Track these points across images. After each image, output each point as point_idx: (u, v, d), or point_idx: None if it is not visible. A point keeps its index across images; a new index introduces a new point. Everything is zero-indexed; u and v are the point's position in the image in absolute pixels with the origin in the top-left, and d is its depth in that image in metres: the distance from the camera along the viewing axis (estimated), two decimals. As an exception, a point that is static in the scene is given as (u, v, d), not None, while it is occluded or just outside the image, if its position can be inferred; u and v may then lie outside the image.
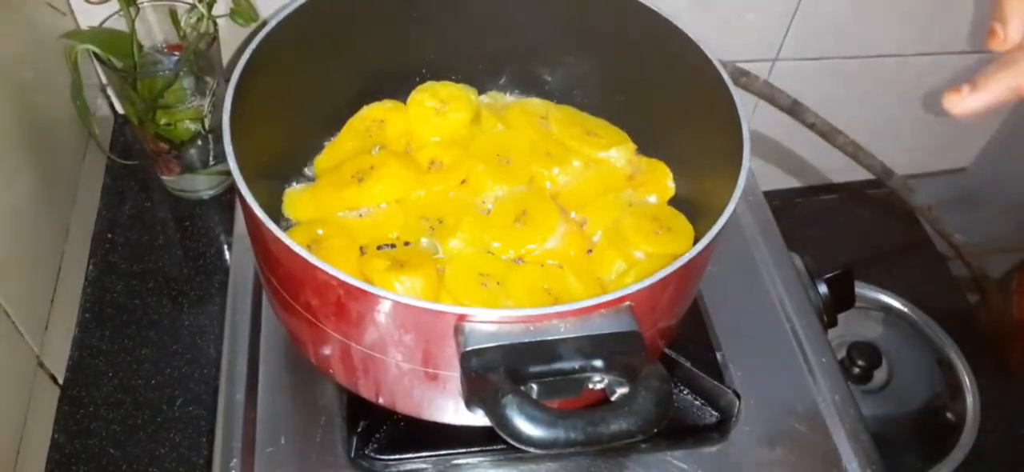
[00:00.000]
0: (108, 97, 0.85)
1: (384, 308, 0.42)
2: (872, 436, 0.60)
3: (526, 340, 0.40)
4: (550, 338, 0.41)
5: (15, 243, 0.63)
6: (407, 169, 0.61)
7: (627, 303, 0.42)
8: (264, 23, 0.54)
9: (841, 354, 0.92)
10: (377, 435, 0.56)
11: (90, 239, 0.76)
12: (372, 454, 0.55)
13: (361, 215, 0.59)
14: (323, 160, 0.64)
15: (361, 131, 0.64)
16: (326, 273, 0.41)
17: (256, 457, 0.54)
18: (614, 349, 0.41)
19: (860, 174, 1.07)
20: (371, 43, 0.63)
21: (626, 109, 0.66)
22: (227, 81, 0.50)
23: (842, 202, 1.17)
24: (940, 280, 1.06)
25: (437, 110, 0.65)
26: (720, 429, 0.58)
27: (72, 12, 0.78)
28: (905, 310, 1.01)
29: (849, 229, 1.13)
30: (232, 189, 0.80)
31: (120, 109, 0.85)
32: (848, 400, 0.60)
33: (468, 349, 0.40)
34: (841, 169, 1.13)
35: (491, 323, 0.40)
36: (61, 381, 0.67)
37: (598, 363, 0.41)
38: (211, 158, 0.77)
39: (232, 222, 0.75)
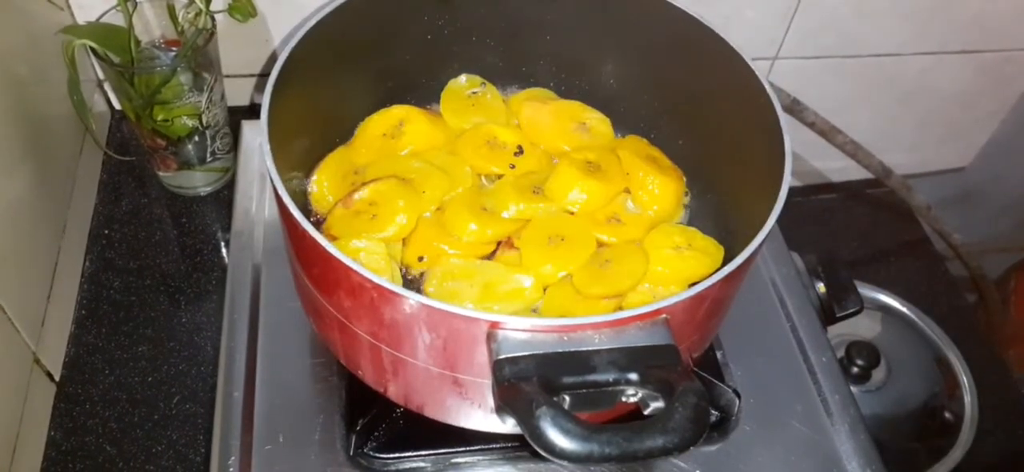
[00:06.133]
0: (105, 92, 0.85)
1: (417, 312, 0.42)
2: (871, 435, 0.59)
3: (560, 350, 0.40)
4: (584, 349, 0.40)
5: (11, 239, 0.62)
6: (435, 126, 0.61)
7: (663, 316, 0.42)
8: (303, 24, 0.54)
9: (839, 353, 0.91)
10: (376, 433, 0.56)
11: (87, 235, 0.76)
12: (371, 452, 0.55)
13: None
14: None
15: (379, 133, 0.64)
16: (360, 275, 0.41)
17: (254, 455, 0.54)
18: (649, 362, 0.40)
19: (859, 173, 1.07)
20: (403, 49, 0.63)
21: (655, 109, 0.66)
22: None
23: (841, 201, 1.16)
24: (939, 280, 1.06)
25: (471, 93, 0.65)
26: (720, 428, 0.58)
27: (69, 7, 0.77)
28: (904, 310, 1.00)
29: (847, 228, 1.13)
30: (229, 186, 0.80)
31: (117, 105, 0.85)
32: (848, 400, 0.60)
33: (501, 357, 0.40)
34: (840, 169, 1.13)
35: (524, 331, 0.40)
36: (57, 378, 0.66)
37: (633, 376, 0.40)
38: (208, 154, 0.77)
39: (229, 219, 0.75)
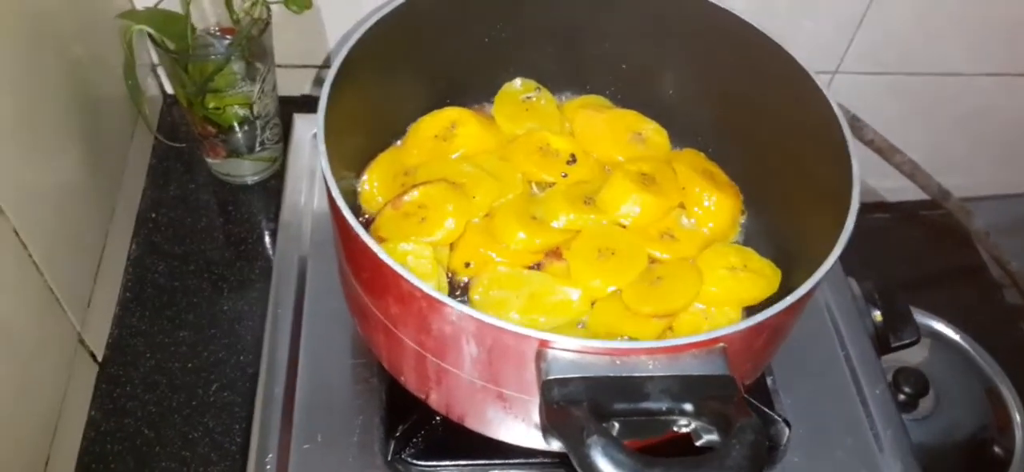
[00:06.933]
0: (158, 77, 0.85)
1: (465, 324, 0.41)
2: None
3: (612, 374, 0.39)
4: (637, 375, 0.39)
5: (63, 219, 0.63)
6: (487, 130, 0.60)
7: (721, 345, 0.40)
8: (362, 23, 0.54)
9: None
10: (415, 440, 0.55)
11: (134, 218, 0.76)
12: (409, 458, 0.54)
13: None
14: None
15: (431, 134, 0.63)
16: (411, 283, 0.40)
17: (292, 454, 0.54)
18: (705, 393, 0.39)
19: (914, 194, 1.04)
20: (459, 51, 0.62)
21: (714, 122, 0.64)
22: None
23: (894, 222, 1.13)
24: (993, 308, 1.02)
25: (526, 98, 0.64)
26: (768, 457, 0.56)
27: (128, -10, 0.77)
28: (955, 337, 0.97)
29: (900, 250, 1.10)
30: (277, 176, 0.80)
31: (169, 90, 0.85)
32: (901, 435, 0.58)
33: (550, 377, 0.39)
34: (895, 189, 1.10)
35: (574, 352, 0.39)
36: (100, 358, 0.67)
37: (687, 407, 0.39)
38: (258, 144, 0.77)
39: (275, 209, 0.75)
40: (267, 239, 0.76)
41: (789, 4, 0.88)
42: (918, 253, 1.10)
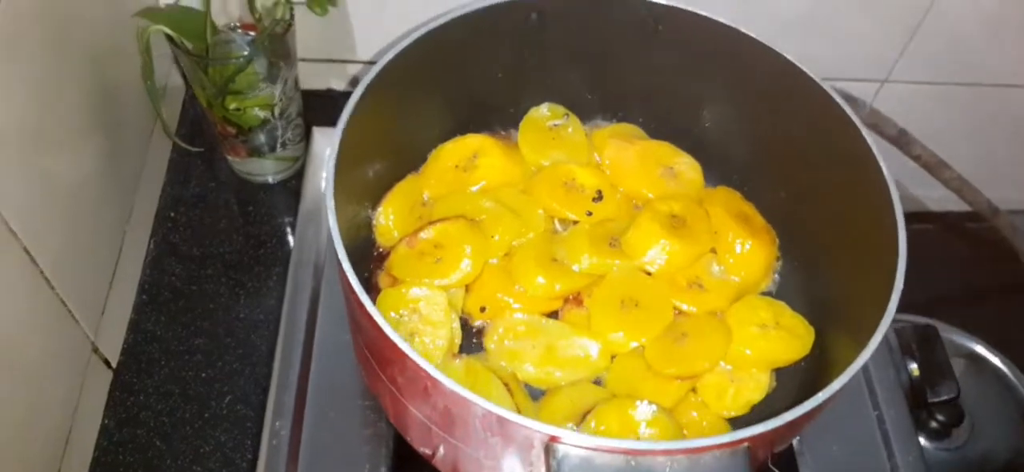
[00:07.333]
0: (180, 67, 0.83)
1: (473, 411, 0.39)
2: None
3: None
4: None
5: (78, 224, 0.61)
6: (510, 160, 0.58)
7: (745, 444, 0.38)
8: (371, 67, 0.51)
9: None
10: (421, 492, 0.54)
11: (153, 216, 0.75)
12: (414, 510, 0.53)
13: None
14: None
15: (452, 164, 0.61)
16: (417, 365, 0.38)
17: (298, 497, 0.52)
18: None
19: (960, 205, 1.00)
20: (486, 75, 0.60)
21: (752, 159, 0.61)
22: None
23: (937, 234, 1.09)
24: (1039, 330, 0.98)
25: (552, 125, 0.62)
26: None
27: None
28: (995, 361, 0.93)
29: (942, 265, 1.05)
30: (298, 176, 0.78)
31: (192, 80, 0.83)
32: (931, 505, 0.55)
33: None
34: (940, 198, 1.05)
35: (586, 449, 0.37)
36: (114, 365, 0.66)
37: None
38: (279, 145, 0.75)
39: (296, 210, 0.73)
40: (290, 240, 0.74)
41: (839, 9, 0.83)
42: (961, 268, 1.06)
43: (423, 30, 0.51)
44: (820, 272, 0.56)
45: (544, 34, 0.57)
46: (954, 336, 0.94)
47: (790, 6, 0.82)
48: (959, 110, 0.96)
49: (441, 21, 0.52)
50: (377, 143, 0.54)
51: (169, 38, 0.67)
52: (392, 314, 0.49)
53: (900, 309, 0.78)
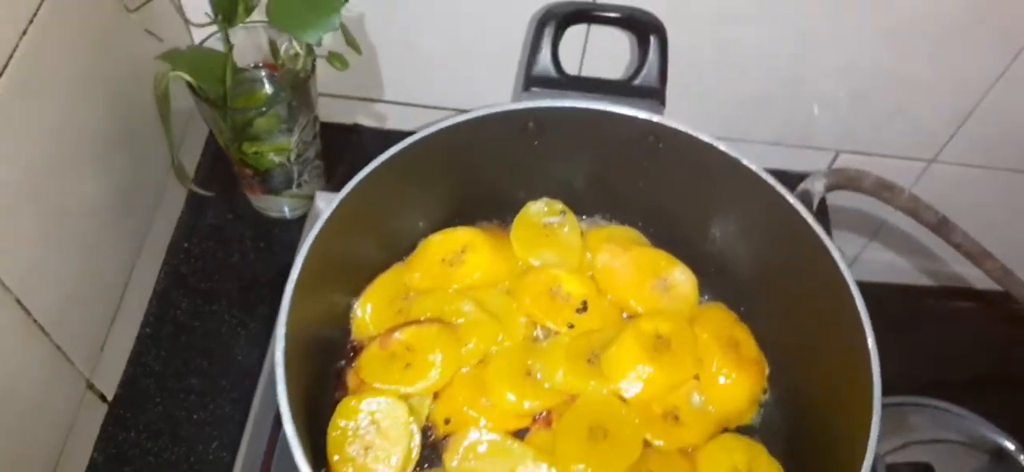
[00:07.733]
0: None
1: None
2: None
3: None
4: None
5: (85, 261, 0.63)
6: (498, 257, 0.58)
7: None
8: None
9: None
10: None
11: (167, 246, 0.76)
12: None
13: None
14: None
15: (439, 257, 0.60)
16: None
17: None
18: None
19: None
20: (484, 173, 0.59)
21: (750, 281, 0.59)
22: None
23: (978, 312, 1.04)
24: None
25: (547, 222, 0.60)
26: None
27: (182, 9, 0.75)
28: (1021, 459, 0.89)
29: (977, 344, 1.01)
30: (313, 213, 0.78)
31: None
32: None
33: None
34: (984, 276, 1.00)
35: None
36: (110, 398, 0.68)
37: None
38: (295, 186, 0.75)
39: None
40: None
41: (892, 85, 0.79)
42: (997, 350, 1.01)
43: (415, 137, 0.51)
44: (805, 410, 0.53)
45: (543, 138, 0.55)
46: (978, 427, 0.90)
47: (841, 82, 0.79)
48: (1004, 193, 0.92)
49: (434, 129, 0.51)
50: (363, 234, 0.53)
51: (189, 85, 0.67)
52: (350, 424, 0.49)
53: (928, 391, 0.75)
